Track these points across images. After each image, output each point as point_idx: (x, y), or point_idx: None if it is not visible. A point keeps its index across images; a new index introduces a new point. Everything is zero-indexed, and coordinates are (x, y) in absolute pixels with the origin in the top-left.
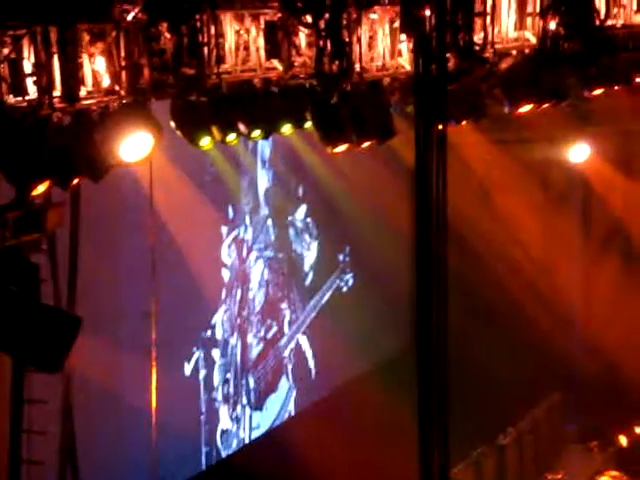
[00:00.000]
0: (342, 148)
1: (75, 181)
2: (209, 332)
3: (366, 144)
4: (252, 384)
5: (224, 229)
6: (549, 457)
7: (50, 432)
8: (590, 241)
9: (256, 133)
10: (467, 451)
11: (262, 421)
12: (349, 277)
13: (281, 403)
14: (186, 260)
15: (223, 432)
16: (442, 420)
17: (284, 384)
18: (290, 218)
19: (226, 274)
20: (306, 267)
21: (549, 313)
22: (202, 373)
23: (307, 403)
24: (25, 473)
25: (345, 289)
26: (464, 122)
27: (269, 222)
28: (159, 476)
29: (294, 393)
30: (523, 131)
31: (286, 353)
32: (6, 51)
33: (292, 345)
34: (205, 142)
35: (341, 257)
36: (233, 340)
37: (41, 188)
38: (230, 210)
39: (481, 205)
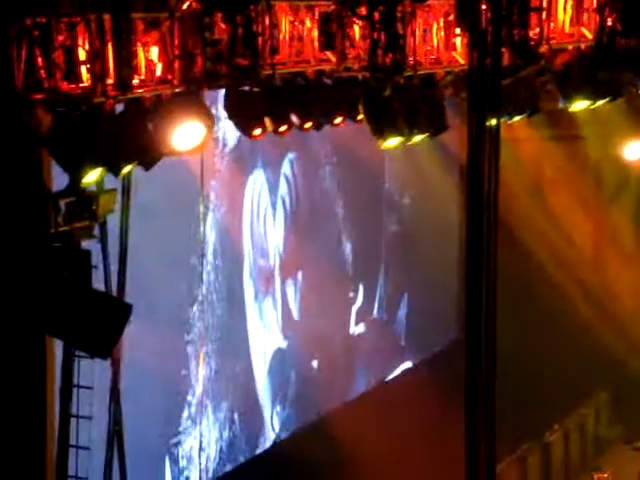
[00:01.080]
0: (394, 141)
1: (127, 169)
2: None
3: (418, 138)
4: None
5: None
6: (595, 456)
7: (97, 417)
8: None
9: (308, 124)
10: (512, 447)
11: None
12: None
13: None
14: (236, 249)
15: (267, 424)
16: (489, 416)
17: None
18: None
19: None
20: (349, 267)
21: (598, 311)
22: (250, 363)
23: (353, 396)
24: (73, 458)
25: (391, 284)
26: (517, 117)
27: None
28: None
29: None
30: (577, 127)
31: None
32: (61, 38)
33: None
34: (257, 133)
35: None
36: (284, 342)
37: (93, 175)
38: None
39: (533, 201)
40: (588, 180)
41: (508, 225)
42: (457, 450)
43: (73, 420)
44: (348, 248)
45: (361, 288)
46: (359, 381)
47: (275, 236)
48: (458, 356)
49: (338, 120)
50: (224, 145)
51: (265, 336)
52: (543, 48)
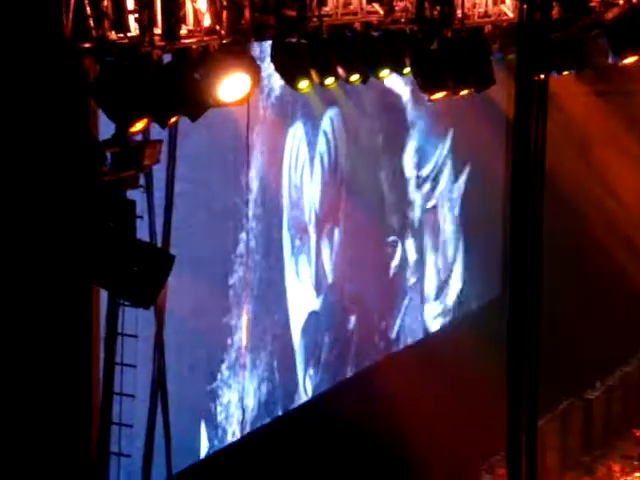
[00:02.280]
0: (440, 95)
1: (173, 119)
2: None
3: (464, 92)
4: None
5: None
6: (637, 414)
7: (141, 365)
8: None
9: (354, 77)
10: (554, 404)
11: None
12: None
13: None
14: (275, 201)
15: (300, 386)
16: (531, 372)
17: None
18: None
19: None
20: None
21: None
22: (287, 317)
23: (393, 350)
24: (117, 405)
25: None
26: (566, 72)
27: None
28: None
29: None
30: (626, 83)
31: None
32: None
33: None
34: (303, 85)
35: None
36: (319, 302)
37: (139, 125)
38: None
39: (580, 158)
40: (637, 136)
41: (555, 182)
42: (496, 406)
43: (117, 368)
44: (388, 212)
45: (399, 249)
46: (395, 346)
47: (311, 191)
48: (497, 313)
49: (384, 73)
50: (268, 96)
51: (301, 292)
52: (594, 1)
